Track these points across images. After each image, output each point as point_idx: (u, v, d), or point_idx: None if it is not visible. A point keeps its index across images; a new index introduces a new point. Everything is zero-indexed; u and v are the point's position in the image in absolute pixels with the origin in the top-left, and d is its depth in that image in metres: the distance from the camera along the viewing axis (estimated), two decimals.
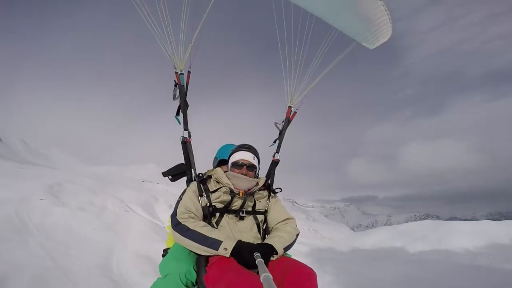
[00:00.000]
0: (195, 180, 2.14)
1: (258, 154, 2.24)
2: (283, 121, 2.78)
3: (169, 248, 2.13)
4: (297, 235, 2.06)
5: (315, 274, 1.64)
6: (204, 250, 1.71)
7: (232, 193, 2.01)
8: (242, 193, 2.00)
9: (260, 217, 2.11)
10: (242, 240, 1.77)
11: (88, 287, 3.37)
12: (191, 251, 1.81)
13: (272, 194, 2.23)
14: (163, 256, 2.13)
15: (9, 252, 3.68)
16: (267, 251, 1.71)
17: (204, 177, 2.14)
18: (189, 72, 2.48)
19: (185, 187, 2.19)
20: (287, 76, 2.80)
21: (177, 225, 1.79)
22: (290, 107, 2.83)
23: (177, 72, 2.46)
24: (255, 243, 1.84)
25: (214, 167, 2.56)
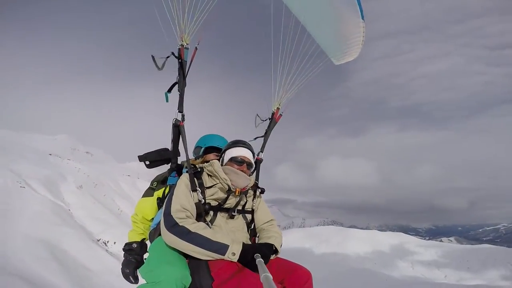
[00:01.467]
0: (187, 171, 1.98)
1: (254, 153, 2.14)
2: (266, 119, 2.76)
3: (136, 241, 2.10)
4: (281, 235, 2.06)
5: (311, 274, 1.63)
6: (207, 255, 1.56)
7: (229, 190, 1.87)
8: (239, 191, 1.89)
9: (249, 216, 2.01)
10: (247, 243, 1.71)
11: None
12: (180, 253, 1.65)
13: (258, 193, 2.13)
14: (141, 255, 2.10)
15: None
16: (269, 250, 1.70)
17: (198, 169, 1.96)
18: (196, 48, 2.25)
19: (141, 177, 2.09)
20: (275, 78, 2.78)
21: (174, 226, 1.60)
22: (278, 108, 2.82)
23: (183, 45, 2.20)
24: (248, 243, 1.79)
25: (198, 157, 2.42)
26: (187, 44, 2.20)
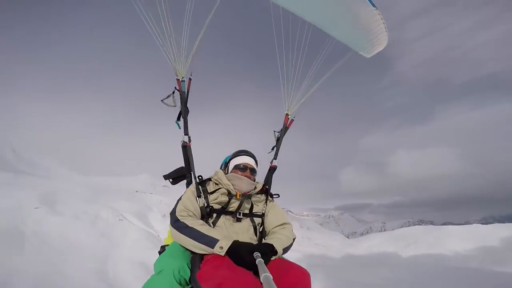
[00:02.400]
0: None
1: (257, 161, 2.33)
2: (281, 130, 2.85)
3: (166, 245, 2.16)
4: (294, 239, 2.09)
5: (308, 274, 1.65)
6: (200, 248, 1.71)
7: (229, 194, 2.04)
8: (239, 194, 2.04)
9: (257, 220, 2.12)
10: (239, 241, 1.76)
11: None
12: (186, 249, 1.81)
13: (270, 198, 2.27)
14: (159, 253, 2.15)
15: (8, 259, 3.74)
16: (267, 251, 1.71)
17: (204, 179, 2.16)
18: (190, 79, 2.57)
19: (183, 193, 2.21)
20: (284, 84, 2.85)
21: (175, 222, 1.83)
22: (287, 114, 2.89)
23: (179, 79, 2.54)
24: (244, 241, 1.81)
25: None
26: (182, 77, 2.55)
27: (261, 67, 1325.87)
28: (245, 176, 2.13)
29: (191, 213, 1.91)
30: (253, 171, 2.22)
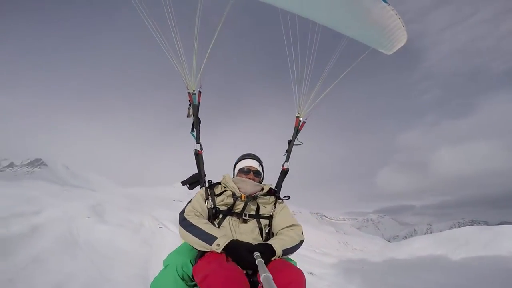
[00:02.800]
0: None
1: (262, 163, 2.43)
2: (296, 139, 2.85)
3: None
4: (301, 241, 2.07)
5: (303, 275, 1.68)
6: (200, 245, 1.81)
7: (234, 196, 2.14)
8: (244, 196, 2.13)
9: (264, 222, 2.17)
10: (238, 240, 1.85)
11: None
12: (193, 247, 1.91)
13: (278, 200, 2.31)
14: None
15: (63, 264, 4.18)
16: (266, 250, 1.76)
17: (213, 183, 2.30)
18: (199, 92, 2.74)
19: None
20: (295, 86, 2.87)
21: (182, 220, 1.97)
22: (298, 117, 2.91)
23: (190, 93, 2.71)
24: (243, 241, 1.88)
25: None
26: (193, 90, 2.70)
27: (273, 74, 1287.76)
28: (249, 178, 2.26)
29: (198, 213, 2.04)
30: (256, 173, 2.32)
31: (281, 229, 2.13)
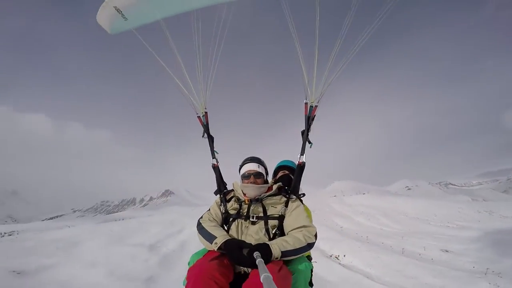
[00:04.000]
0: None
1: (262, 162, 2.48)
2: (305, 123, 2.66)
3: None
4: (310, 244, 2.02)
5: (290, 274, 1.80)
6: (207, 245, 2.06)
7: (239, 200, 2.33)
8: (248, 200, 2.28)
9: (272, 222, 2.19)
10: (235, 239, 2.02)
11: None
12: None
13: (291, 198, 2.32)
14: None
15: None
16: (262, 250, 1.78)
17: (228, 190, 2.55)
18: (206, 113, 2.93)
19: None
20: (304, 69, 2.66)
21: (198, 225, 2.26)
22: (306, 103, 2.66)
23: (199, 116, 2.92)
24: (241, 240, 2.02)
25: (272, 178, 3.06)
26: (202, 113, 2.93)
27: (283, 83, 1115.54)
28: (250, 182, 2.34)
29: (211, 219, 2.31)
30: (257, 175, 2.38)
31: (291, 230, 2.12)
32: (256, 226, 2.17)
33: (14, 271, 6.39)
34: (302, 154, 2.56)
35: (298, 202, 2.33)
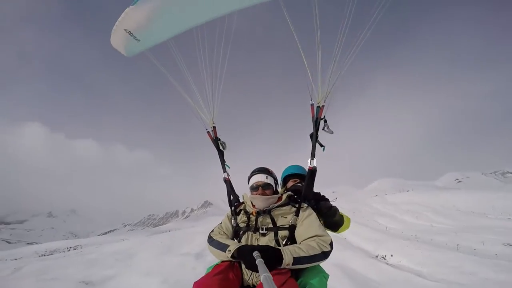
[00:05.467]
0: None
1: (270, 172, 2.41)
2: (325, 126, 2.48)
3: None
4: (325, 253, 1.89)
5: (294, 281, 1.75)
6: (218, 254, 2.06)
7: (247, 213, 2.28)
8: (255, 212, 2.20)
9: (283, 233, 2.09)
10: (250, 244, 2.01)
11: None
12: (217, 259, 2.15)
13: (302, 207, 2.20)
14: None
15: None
16: (270, 252, 1.76)
17: (235, 203, 2.51)
18: (214, 127, 2.95)
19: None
20: (308, 68, 2.50)
21: (209, 238, 2.26)
22: (312, 104, 2.52)
23: (209, 131, 2.96)
24: (249, 244, 2.01)
25: (281, 187, 2.98)
26: (211, 127, 2.97)
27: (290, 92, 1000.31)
28: (258, 194, 2.27)
29: (222, 232, 2.29)
30: (265, 186, 2.30)
31: (304, 240, 2.01)
32: (266, 237, 2.09)
33: (83, 282, 7.23)
34: (312, 158, 2.42)
35: (310, 210, 2.21)
